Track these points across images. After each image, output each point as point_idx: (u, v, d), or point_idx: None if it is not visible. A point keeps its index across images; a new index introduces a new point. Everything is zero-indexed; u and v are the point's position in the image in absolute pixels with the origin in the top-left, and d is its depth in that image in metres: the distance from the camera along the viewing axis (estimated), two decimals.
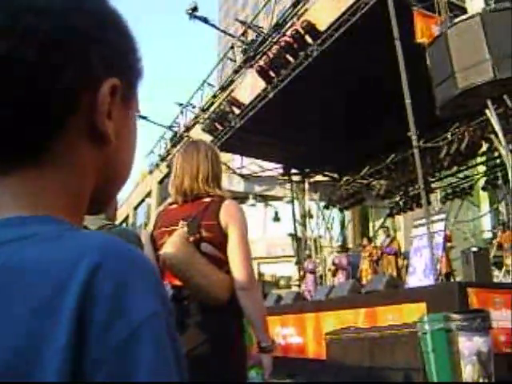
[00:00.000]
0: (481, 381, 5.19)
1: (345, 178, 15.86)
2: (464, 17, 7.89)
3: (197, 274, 2.29)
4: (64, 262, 0.49)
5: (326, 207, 17.23)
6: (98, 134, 0.60)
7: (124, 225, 29.85)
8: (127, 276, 0.49)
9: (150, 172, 21.39)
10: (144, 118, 17.49)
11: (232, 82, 14.98)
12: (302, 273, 15.18)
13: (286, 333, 9.69)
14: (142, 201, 30.15)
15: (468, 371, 5.20)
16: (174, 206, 2.52)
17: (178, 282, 2.35)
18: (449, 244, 10.91)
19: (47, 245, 0.51)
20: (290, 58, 11.24)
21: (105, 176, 0.64)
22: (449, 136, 11.63)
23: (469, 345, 5.29)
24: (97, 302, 0.47)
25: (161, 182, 23.67)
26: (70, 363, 0.45)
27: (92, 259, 0.49)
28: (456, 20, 7.89)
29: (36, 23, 0.54)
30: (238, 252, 2.35)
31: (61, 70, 0.55)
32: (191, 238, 2.33)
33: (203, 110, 16.15)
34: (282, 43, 11.29)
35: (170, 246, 2.31)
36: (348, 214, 18.98)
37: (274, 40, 12.11)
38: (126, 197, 32.92)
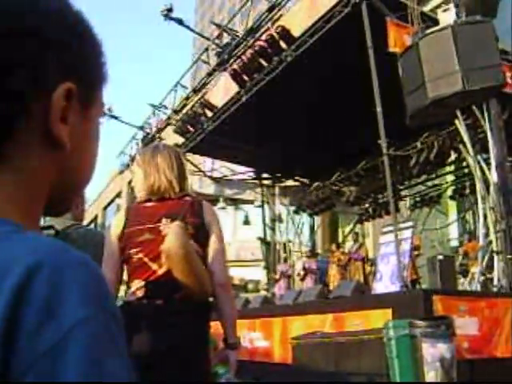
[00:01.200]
0: None
1: (315, 184, 15.92)
2: (435, 28, 8.00)
3: (196, 266, 2.33)
4: (1, 263, 0.49)
5: (296, 212, 17.29)
6: (52, 138, 0.58)
7: (92, 225, 29.60)
8: (63, 281, 0.49)
9: (121, 172, 21.16)
10: (115, 117, 17.33)
11: (205, 84, 14.93)
12: (278, 276, 15.20)
13: (252, 336, 9.67)
14: (112, 201, 29.89)
15: (431, 377, 5.26)
16: (149, 204, 2.50)
17: (152, 278, 2.35)
18: (416, 252, 11.03)
19: None
20: (264, 63, 11.25)
21: (61, 181, 0.62)
22: (418, 145, 11.78)
23: (432, 351, 5.35)
24: (29, 306, 0.47)
25: (131, 182, 23.45)
26: None
27: (29, 262, 0.48)
28: (428, 31, 8.00)
29: None
30: (220, 249, 2.44)
31: (11, 70, 0.54)
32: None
33: (175, 112, 16.06)
34: (257, 47, 11.29)
35: (175, 238, 2.28)
36: (318, 219, 19.06)
37: (249, 44, 12.11)
38: (96, 197, 32.59)
